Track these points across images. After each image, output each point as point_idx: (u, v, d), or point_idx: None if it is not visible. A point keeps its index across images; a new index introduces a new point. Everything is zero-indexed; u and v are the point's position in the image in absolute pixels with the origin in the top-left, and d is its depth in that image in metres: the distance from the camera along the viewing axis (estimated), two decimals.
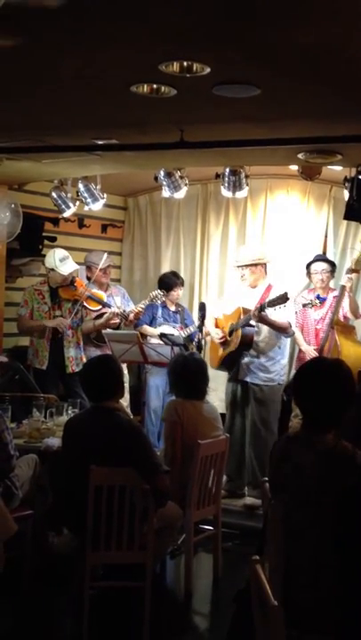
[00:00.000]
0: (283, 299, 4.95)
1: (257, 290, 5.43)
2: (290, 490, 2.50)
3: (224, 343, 5.45)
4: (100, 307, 5.74)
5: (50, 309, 5.61)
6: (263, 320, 5.15)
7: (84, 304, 5.68)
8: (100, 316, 5.76)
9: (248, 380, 5.35)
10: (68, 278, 5.61)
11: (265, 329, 5.27)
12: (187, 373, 4.35)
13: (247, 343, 5.26)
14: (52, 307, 5.61)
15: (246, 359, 5.34)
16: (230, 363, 5.42)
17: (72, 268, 5.59)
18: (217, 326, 5.58)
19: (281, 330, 5.28)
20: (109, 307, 5.79)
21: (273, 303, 5.01)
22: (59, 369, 5.57)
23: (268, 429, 5.35)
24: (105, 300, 5.82)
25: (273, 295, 5.24)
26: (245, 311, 5.27)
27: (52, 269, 5.57)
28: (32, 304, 5.60)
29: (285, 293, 4.96)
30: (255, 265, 5.41)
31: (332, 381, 2.56)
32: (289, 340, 5.58)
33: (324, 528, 2.40)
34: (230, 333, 5.39)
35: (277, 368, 5.39)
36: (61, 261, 5.54)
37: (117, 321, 5.77)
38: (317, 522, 2.41)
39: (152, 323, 6.09)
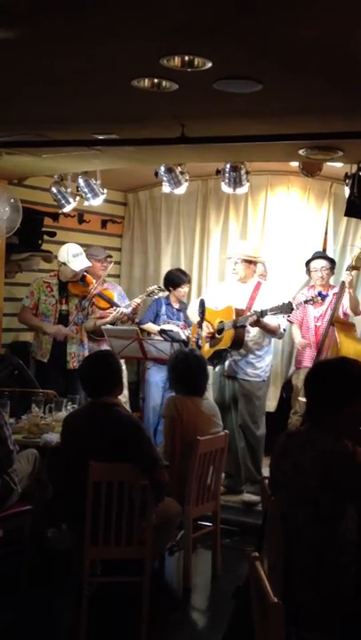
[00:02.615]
0: (287, 309, 4.91)
1: (246, 286, 5.40)
2: (289, 488, 2.50)
3: (211, 339, 5.44)
4: (109, 306, 5.73)
5: (57, 302, 5.62)
6: (259, 324, 5.15)
7: (93, 301, 5.69)
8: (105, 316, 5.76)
9: (236, 376, 5.35)
10: (79, 274, 5.62)
11: (255, 329, 5.27)
12: (187, 370, 4.34)
13: (239, 343, 5.25)
14: (58, 300, 5.63)
15: (234, 356, 5.34)
16: (216, 358, 5.41)
17: (83, 265, 5.59)
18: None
19: (272, 332, 5.29)
20: (118, 307, 5.78)
21: (275, 311, 4.97)
22: (60, 364, 5.57)
23: (256, 424, 5.35)
24: (115, 300, 5.82)
25: (261, 294, 5.23)
26: (238, 312, 5.25)
27: (64, 264, 5.58)
28: (38, 296, 5.61)
29: (290, 303, 4.93)
30: (250, 262, 5.39)
31: (343, 380, 2.54)
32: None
33: (323, 526, 2.39)
34: (220, 331, 5.37)
35: (263, 365, 5.38)
36: (74, 257, 5.56)
37: (125, 321, 5.78)
38: (317, 520, 2.40)
39: (156, 320, 6.07)
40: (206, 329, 5.44)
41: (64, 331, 5.51)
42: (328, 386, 2.55)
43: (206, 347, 5.44)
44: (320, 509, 2.40)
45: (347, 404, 2.50)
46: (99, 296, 5.71)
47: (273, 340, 5.52)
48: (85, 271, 5.66)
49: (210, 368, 5.49)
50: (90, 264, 5.69)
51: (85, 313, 5.70)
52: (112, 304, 5.75)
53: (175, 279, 6.07)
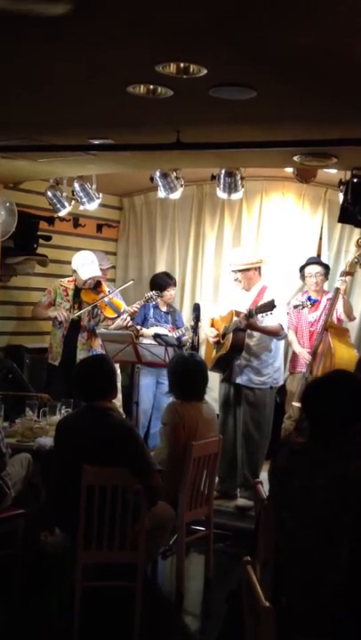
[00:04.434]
0: (269, 307, 4.90)
1: (251, 292, 5.42)
2: (296, 509, 2.40)
3: (217, 344, 5.45)
4: (117, 315, 5.77)
5: (71, 307, 5.71)
6: (252, 326, 5.14)
7: (101, 310, 5.73)
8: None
9: (240, 381, 5.32)
10: (90, 282, 5.69)
11: (258, 333, 5.27)
12: (186, 374, 4.34)
13: (238, 347, 5.23)
14: (72, 305, 5.72)
15: (239, 361, 5.32)
16: (223, 364, 5.40)
17: (91, 274, 5.66)
18: (212, 327, 5.57)
19: (272, 334, 5.27)
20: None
21: (260, 310, 4.97)
22: (70, 368, 5.60)
23: (260, 432, 5.32)
24: (122, 310, 5.85)
25: (265, 299, 5.25)
26: (238, 314, 5.24)
27: (75, 270, 5.69)
28: (55, 297, 5.75)
29: (272, 301, 4.91)
30: (248, 269, 5.40)
31: (351, 395, 2.47)
32: (282, 342, 5.57)
33: (329, 547, 2.34)
34: (223, 336, 5.38)
35: (270, 371, 5.34)
36: (83, 265, 5.66)
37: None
38: (325, 542, 2.34)
39: (144, 323, 6.09)
40: (212, 334, 5.45)
41: (64, 314, 5.62)
42: (334, 402, 2.46)
43: (213, 353, 5.46)
44: (333, 534, 2.33)
45: (357, 419, 2.42)
46: (107, 305, 5.76)
47: (280, 345, 5.49)
48: (97, 280, 5.73)
49: (214, 374, 5.51)
50: (100, 273, 5.76)
51: (97, 320, 5.78)
52: (119, 314, 5.80)
53: (161, 282, 6.12)
